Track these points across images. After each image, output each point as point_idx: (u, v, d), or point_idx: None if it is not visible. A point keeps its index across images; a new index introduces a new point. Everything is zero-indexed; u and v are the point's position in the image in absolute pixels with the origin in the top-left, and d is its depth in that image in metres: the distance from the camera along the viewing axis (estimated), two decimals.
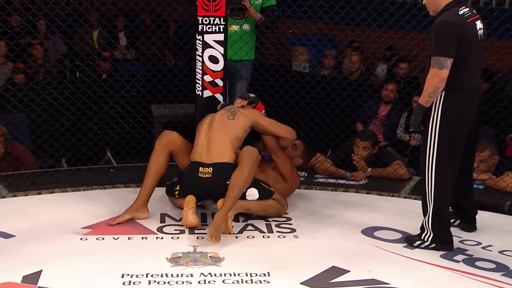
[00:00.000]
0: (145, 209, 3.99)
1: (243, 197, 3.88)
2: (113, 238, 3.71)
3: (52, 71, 6.86)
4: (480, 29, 3.55)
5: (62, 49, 7.89)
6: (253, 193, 3.94)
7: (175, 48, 5.92)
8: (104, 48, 7.54)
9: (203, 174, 3.87)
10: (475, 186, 4.18)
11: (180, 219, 3.93)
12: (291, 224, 4.00)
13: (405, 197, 4.55)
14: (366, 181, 4.79)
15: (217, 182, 3.84)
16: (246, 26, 4.93)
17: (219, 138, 3.94)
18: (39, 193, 4.39)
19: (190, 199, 3.84)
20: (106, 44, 7.95)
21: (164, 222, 3.95)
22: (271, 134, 4.21)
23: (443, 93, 3.49)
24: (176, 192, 4.03)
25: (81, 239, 3.69)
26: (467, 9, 3.54)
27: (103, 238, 3.70)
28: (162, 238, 3.75)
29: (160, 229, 3.85)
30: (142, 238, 3.73)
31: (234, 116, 4.04)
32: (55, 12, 6.27)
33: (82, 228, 3.82)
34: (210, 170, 3.87)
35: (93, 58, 6.89)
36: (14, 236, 3.70)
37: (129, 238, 3.72)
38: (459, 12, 3.49)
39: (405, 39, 5.72)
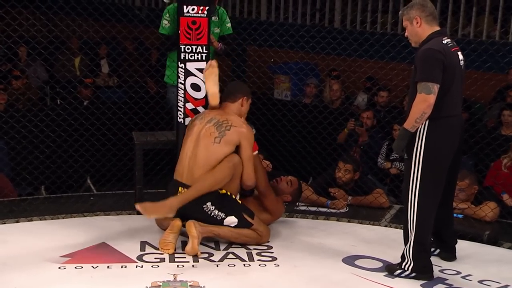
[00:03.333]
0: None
1: (220, 223, 3.90)
2: (92, 266, 3.66)
3: (33, 98, 6.83)
4: (461, 60, 3.62)
5: (43, 76, 7.87)
6: (231, 221, 3.94)
7: (157, 75, 5.93)
8: (86, 75, 7.53)
9: None
10: (454, 215, 4.21)
11: None
12: (272, 252, 3.98)
13: (386, 226, 4.57)
14: (347, 209, 4.81)
15: (195, 205, 3.85)
16: None
17: (200, 162, 3.93)
18: (17, 221, 4.32)
19: (176, 224, 3.86)
20: (88, 71, 7.94)
21: (144, 250, 3.91)
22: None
23: (427, 121, 3.52)
24: None
25: (59, 268, 3.63)
26: (449, 40, 3.61)
27: (82, 267, 3.65)
28: (142, 266, 3.71)
29: (140, 257, 3.81)
30: (122, 267, 3.69)
31: (221, 139, 3.95)
32: (37, 40, 6.28)
33: (61, 256, 3.77)
34: None
35: (75, 85, 6.88)
36: None
37: (108, 267, 3.68)
38: (443, 41, 3.55)
39: (385, 68, 5.82)
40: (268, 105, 5.62)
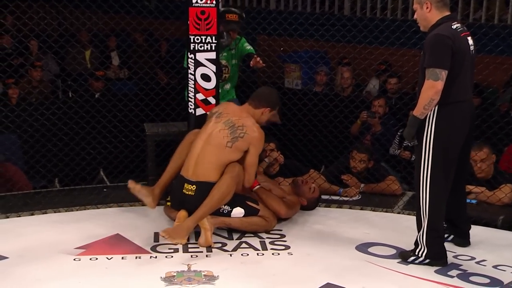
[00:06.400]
0: (154, 197, 4.04)
1: (228, 216, 3.96)
2: (107, 258, 3.69)
3: (45, 91, 6.86)
4: (471, 45, 3.59)
5: (54, 70, 7.90)
6: (239, 212, 3.99)
7: (167, 66, 5.93)
8: (96, 68, 7.55)
9: (187, 191, 3.94)
10: (468, 201, 4.20)
11: None
12: (285, 241, 3.99)
13: (399, 213, 4.56)
14: (360, 197, 4.80)
15: (199, 200, 3.88)
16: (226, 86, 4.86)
17: (209, 160, 3.95)
18: (32, 214, 4.35)
19: (182, 215, 3.89)
20: (98, 64, 7.96)
21: (158, 241, 3.93)
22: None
23: (437, 107, 3.50)
24: (168, 203, 4.11)
25: (74, 259, 3.67)
26: (459, 24, 3.57)
27: (97, 259, 3.68)
28: (156, 257, 3.73)
29: (153, 248, 3.84)
30: (136, 258, 3.71)
31: (233, 144, 3.95)
32: (47, 33, 6.30)
33: (76, 248, 3.80)
34: (194, 188, 3.92)
35: (86, 78, 6.90)
36: (7, 258, 3.67)
37: (122, 258, 3.70)
38: (452, 27, 3.52)
39: (396, 55, 5.77)
40: (279, 94, 5.59)
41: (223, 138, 3.96)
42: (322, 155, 5.55)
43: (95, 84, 6.89)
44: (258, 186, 4.16)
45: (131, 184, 4.08)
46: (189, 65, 4.41)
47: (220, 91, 4.54)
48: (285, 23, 6.23)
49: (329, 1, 8.79)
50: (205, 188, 3.89)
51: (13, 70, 5.37)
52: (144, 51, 7.78)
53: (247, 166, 3.99)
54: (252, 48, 4.79)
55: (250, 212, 4.02)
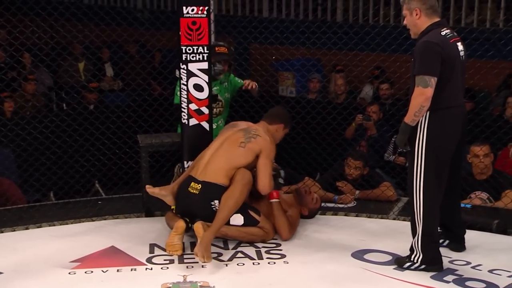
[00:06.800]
0: (174, 194, 4.04)
1: (227, 221, 3.91)
2: (102, 271, 3.68)
3: (37, 105, 6.86)
4: (461, 50, 3.60)
5: (48, 83, 7.90)
6: (238, 220, 3.96)
7: (160, 77, 5.95)
8: (89, 80, 7.55)
9: (192, 189, 3.94)
10: (462, 205, 4.21)
11: None
12: (280, 249, 3.98)
13: (394, 219, 4.55)
14: (355, 204, 4.80)
15: (203, 200, 3.89)
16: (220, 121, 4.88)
17: (219, 161, 3.98)
18: (27, 228, 4.33)
19: (180, 225, 3.87)
20: (91, 76, 7.97)
21: (153, 253, 3.92)
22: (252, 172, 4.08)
23: (428, 113, 3.52)
24: (173, 207, 4.09)
25: (69, 273, 3.65)
26: (449, 30, 3.59)
27: (92, 272, 3.66)
28: (151, 269, 3.72)
29: (149, 260, 3.82)
30: (132, 270, 3.70)
31: (246, 144, 4.00)
32: (39, 46, 6.30)
33: (71, 261, 3.78)
34: (199, 186, 3.93)
35: (79, 90, 6.90)
36: (2, 273, 3.65)
37: (118, 270, 3.69)
38: (442, 33, 3.54)
39: (388, 61, 5.80)
40: (272, 103, 5.61)
41: (237, 140, 4.03)
42: (317, 162, 5.55)
43: (89, 96, 6.89)
44: (276, 201, 4.14)
45: (149, 189, 4.07)
46: (182, 75, 4.41)
47: (214, 127, 4.58)
48: (276, 32, 6.26)
49: (321, 8, 8.83)
50: (210, 188, 3.90)
51: (5, 84, 5.38)
52: (136, 62, 7.79)
53: (260, 168, 3.99)
54: (241, 81, 4.87)
55: (249, 222, 3.99)
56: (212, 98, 4.60)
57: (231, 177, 3.94)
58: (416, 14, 3.58)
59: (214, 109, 4.68)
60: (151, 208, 4.46)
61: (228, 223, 3.93)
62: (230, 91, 4.86)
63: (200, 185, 3.93)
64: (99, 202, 4.81)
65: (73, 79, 7.63)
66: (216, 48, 4.67)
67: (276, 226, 4.11)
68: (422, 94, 3.45)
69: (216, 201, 3.90)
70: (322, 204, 4.68)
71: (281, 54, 6.72)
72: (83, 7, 6.73)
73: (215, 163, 3.97)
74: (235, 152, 3.98)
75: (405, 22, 3.68)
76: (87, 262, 3.79)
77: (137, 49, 8.45)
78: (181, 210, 4.03)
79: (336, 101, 6.68)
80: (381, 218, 4.57)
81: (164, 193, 4.05)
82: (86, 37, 7.07)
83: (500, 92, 6.57)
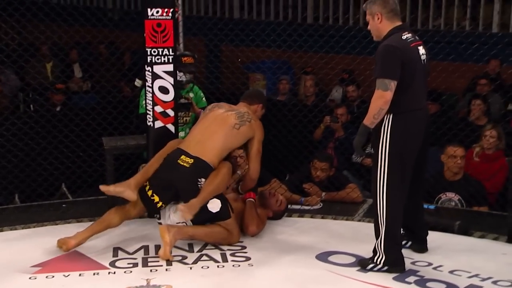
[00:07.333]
0: (131, 188, 3.98)
1: (205, 204, 3.90)
2: (64, 275, 3.64)
3: (7, 106, 6.76)
4: (423, 54, 3.64)
5: (15, 82, 7.78)
6: (215, 205, 3.96)
7: (131, 76, 5.88)
8: (57, 80, 7.46)
9: (183, 162, 3.93)
10: (426, 206, 4.25)
11: (133, 252, 3.95)
12: (246, 252, 3.98)
13: (359, 220, 4.59)
14: (321, 206, 4.82)
15: (192, 174, 3.90)
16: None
17: (214, 139, 4.00)
18: None
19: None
20: (61, 76, 7.87)
21: (117, 256, 3.89)
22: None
23: (391, 116, 3.55)
24: (147, 188, 4.00)
25: (30, 278, 3.60)
26: (410, 34, 3.63)
27: (53, 276, 3.62)
28: (114, 272, 3.69)
29: (112, 264, 3.79)
30: (94, 274, 3.67)
31: (240, 127, 4.05)
32: (9, 45, 6.22)
33: (32, 266, 3.73)
34: (191, 161, 3.93)
35: (45, 91, 6.81)
36: None
37: (80, 275, 3.65)
38: (403, 37, 3.58)
39: (355, 63, 5.83)
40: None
41: (232, 120, 4.06)
42: (285, 164, 5.56)
43: (55, 97, 6.80)
44: (251, 199, 4.24)
45: (103, 188, 4.00)
46: (147, 78, 4.39)
47: (182, 135, 4.59)
48: (246, 30, 6.26)
49: (292, 9, 8.84)
50: (201, 165, 3.92)
51: None
52: (104, 63, 7.71)
53: (254, 154, 4.11)
54: (205, 101, 4.88)
55: (223, 212, 3.99)
56: (186, 105, 4.61)
57: (220, 159, 3.99)
58: (378, 18, 3.62)
59: (182, 118, 4.68)
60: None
61: (205, 207, 3.91)
62: (196, 102, 4.82)
63: (192, 160, 3.92)
64: (63, 206, 4.75)
65: (40, 79, 7.53)
66: (184, 59, 4.66)
67: (245, 220, 4.14)
68: (382, 97, 3.49)
69: (203, 180, 3.91)
70: (289, 206, 4.70)
71: (250, 55, 6.72)
72: (55, 7, 6.62)
73: (211, 141, 3.99)
74: (230, 133, 4.03)
75: (369, 27, 3.71)
76: (48, 266, 3.74)
77: (109, 50, 8.36)
78: (158, 182, 3.97)
79: (305, 103, 6.70)
80: (347, 220, 4.60)
81: (120, 189, 3.97)
82: (59, 38, 7.00)
83: (467, 94, 6.64)
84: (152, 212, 4.10)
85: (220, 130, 4.03)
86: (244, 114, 4.12)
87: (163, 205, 3.99)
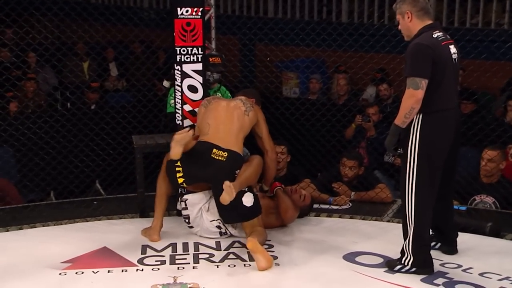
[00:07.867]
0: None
1: (240, 197, 3.90)
2: (93, 271, 3.69)
3: (42, 104, 6.90)
4: (454, 53, 3.58)
5: (52, 82, 7.95)
6: (249, 199, 3.98)
7: (165, 77, 5.93)
8: (93, 80, 7.58)
9: (217, 156, 3.96)
10: (456, 207, 4.18)
11: (161, 250, 3.97)
12: (273, 251, 3.97)
13: (388, 221, 4.53)
14: (350, 206, 4.77)
15: (229, 167, 3.94)
16: None
17: (233, 129, 4.07)
18: (20, 228, 4.35)
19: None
20: (96, 75, 8.00)
21: (145, 254, 3.93)
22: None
23: (421, 116, 3.50)
24: (179, 174, 3.99)
25: (60, 274, 3.66)
26: (441, 33, 3.57)
27: (83, 272, 3.68)
28: (142, 270, 3.73)
29: (140, 261, 3.84)
30: (122, 271, 3.71)
31: (249, 113, 4.14)
32: (45, 46, 6.35)
33: (62, 262, 3.80)
34: (226, 154, 3.96)
35: (83, 89, 6.94)
36: None
37: (109, 271, 3.70)
38: (433, 35, 3.52)
39: (393, 62, 5.77)
40: (277, 104, 5.69)
41: (241, 108, 4.14)
42: (319, 164, 5.56)
43: (91, 95, 6.92)
44: (279, 188, 4.34)
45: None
46: (176, 76, 4.43)
47: None
48: (281, 33, 6.26)
49: (327, 9, 8.79)
50: (236, 157, 3.99)
51: (11, 83, 5.42)
52: (141, 62, 7.80)
53: (266, 135, 4.24)
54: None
55: (254, 208, 4.01)
56: None
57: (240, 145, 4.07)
58: (408, 17, 3.57)
59: None
60: (145, 209, 4.46)
61: (240, 200, 3.92)
62: None
63: (226, 153, 3.96)
64: (94, 203, 4.82)
65: (78, 78, 7.67)
66: (211, 59, 4.73)
67: (282, 207, 4.24)
68: (413, 96, 3.44)
69: (238, 171, 3.97)
70: (317, 206, 4.68)
71: (286, 55, 6.72)
72: (88, 7, 6.75)
73: (231, 133, 4.05)
74: (243, 120, 4.12)
75: (399, 27, 3.67)
76: (78, 262, 3.80)
77: (143, 49, 8.45)
78: (192, 176, 3.98)
79: (338, 102, 6.66)
80: (376, 220, 4.55)
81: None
82: (91, 37, 7.12)
83: (504, 94, 6.50)
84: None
85: (236, 119, 4.10)
86: (245, 101, 4.21)
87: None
